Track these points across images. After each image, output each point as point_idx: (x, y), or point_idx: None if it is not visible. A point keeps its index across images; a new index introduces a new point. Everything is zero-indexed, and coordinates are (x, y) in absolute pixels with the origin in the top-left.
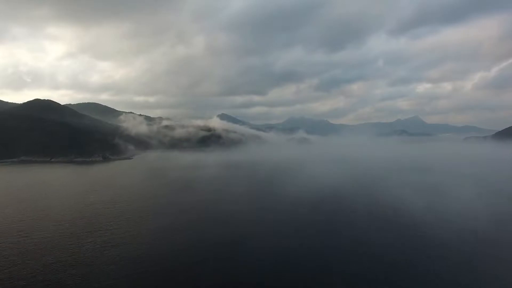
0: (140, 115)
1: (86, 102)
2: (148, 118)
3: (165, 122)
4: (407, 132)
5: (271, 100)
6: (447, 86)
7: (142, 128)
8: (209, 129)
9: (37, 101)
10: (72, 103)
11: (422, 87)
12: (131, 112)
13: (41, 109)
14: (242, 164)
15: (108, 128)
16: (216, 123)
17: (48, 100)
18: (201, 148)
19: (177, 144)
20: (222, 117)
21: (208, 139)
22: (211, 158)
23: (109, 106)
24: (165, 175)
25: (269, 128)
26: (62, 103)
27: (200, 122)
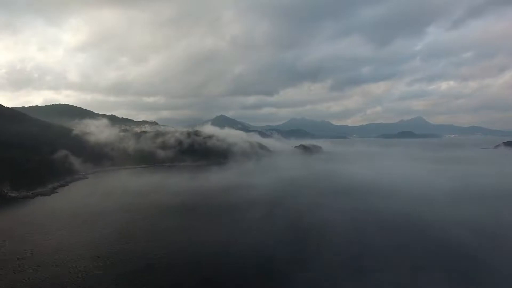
0: (104, 114)
1: (57, 103)
2: (117, 120)
3: (137, 129)
4: (414, 133)
5: (281, 101)
6: (472, 85)
7: (104, 136)
8: (196, 135)
9: None
10: (75, 104)
11: (446, 85)
12: (111, 115)
13: None
14: (205, 211)
15: (55, 138)
16: (206, 129)
17: None
18: (174, 163)
19: (147, 157)
20: (220, 119)
21: (188, 150)
22: (165, 185)
23: (107, 107)
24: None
25: (270, 130)
26: (67, 104)
27: (188, 128)
